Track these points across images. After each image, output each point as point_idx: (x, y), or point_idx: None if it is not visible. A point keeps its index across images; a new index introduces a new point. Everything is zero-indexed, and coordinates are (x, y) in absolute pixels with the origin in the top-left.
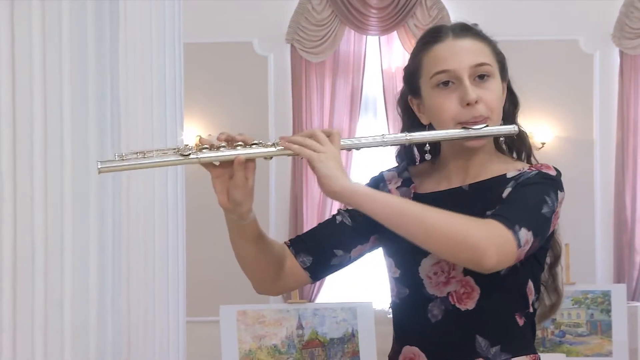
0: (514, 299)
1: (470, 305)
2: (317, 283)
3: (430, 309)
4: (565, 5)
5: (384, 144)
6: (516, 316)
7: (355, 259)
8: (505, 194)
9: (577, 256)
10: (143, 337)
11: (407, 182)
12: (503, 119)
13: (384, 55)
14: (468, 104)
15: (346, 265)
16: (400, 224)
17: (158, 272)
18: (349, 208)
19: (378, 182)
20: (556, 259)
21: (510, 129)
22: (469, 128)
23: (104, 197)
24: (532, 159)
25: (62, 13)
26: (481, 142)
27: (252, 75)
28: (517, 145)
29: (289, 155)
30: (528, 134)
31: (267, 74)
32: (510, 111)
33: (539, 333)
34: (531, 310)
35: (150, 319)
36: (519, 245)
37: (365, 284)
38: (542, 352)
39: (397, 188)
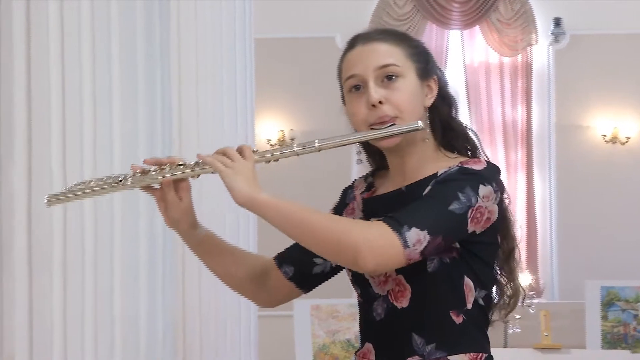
0: (447, 296)
1: (404, 303)
2: None
3: (375, 307)
4: None
5: (295, 153)
6: (452, 314)
7: (340, 268)
8: (425, 192)
9: None
10: (214, 332)
11: (369, 187)
12: (439, 118)
13: (466, 50)
14: (373, 106)
15: (332, 273)
16: (288, 229)
17: None
18: None
19: (347, 190)
20: (509, 252)
21: (414, 125)
22: (376, 129)
23: None
24: (481, 154)
25: (111, 13)
26: (394, 141)
27: (334, 71)
28: (461, 142)
29: (212, 172)
30: (613, 128)
31: None
32: (445, 111)
33: (620, 329)
34: (470, 307)
35: (221, 314)
36: (406, 246)
37: None
38: (624, 348)
39: (360, 194)
